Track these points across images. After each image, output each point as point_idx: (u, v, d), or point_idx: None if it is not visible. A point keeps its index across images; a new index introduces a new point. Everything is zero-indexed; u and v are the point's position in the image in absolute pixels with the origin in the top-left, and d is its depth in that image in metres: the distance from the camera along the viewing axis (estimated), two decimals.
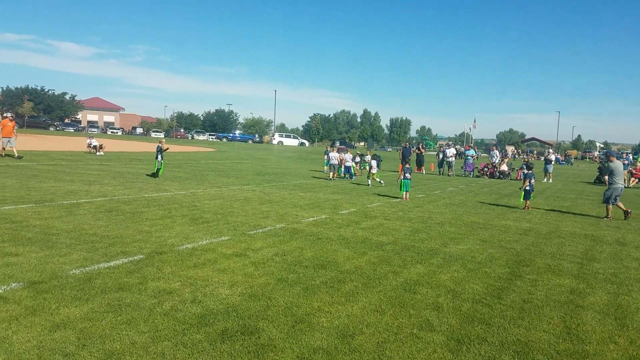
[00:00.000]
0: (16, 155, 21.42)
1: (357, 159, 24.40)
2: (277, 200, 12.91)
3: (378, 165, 20.36)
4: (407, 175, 14.70)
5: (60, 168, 18.59)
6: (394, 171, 27.59)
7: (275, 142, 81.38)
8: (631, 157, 36.61)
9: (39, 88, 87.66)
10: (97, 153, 28.71)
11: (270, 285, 5.56)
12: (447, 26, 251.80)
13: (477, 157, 33.09)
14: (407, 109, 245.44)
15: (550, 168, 26.74)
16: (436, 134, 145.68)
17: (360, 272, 6.31)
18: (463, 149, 45.25)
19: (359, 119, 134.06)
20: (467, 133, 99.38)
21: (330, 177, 20.64)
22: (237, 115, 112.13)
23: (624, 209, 12.56)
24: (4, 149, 21.68)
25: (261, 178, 19.54)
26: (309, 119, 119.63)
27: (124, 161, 24.68)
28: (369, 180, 18.96)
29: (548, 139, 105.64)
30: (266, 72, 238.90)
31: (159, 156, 16.88)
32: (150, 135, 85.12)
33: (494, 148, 32.38)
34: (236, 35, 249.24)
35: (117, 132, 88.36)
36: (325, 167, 23.58)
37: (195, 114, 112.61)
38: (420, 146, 31.67)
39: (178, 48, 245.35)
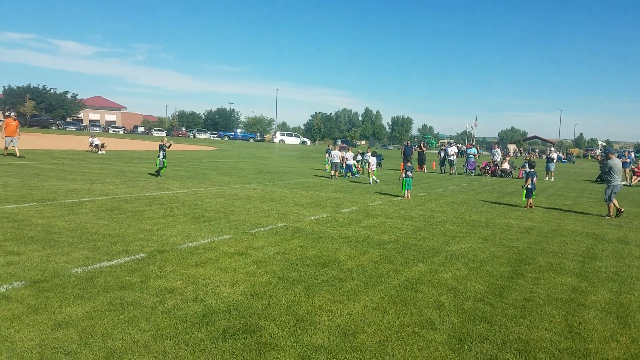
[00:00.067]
0: (18, 155, 21.46)
1: (359, 157, 24.41)
2: (278, 198, 12.91)
3: (379, 164, 20.36)
4: (409, 173, 14.70)
5: (62, 167, 18.63)
6: (396, 169, 27.57)
7: (276, 140, 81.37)
8: (633, 155, 36.47)
9: (40, 87, 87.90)
10: (99, 152, 28.76)
11: (271, 284, 5.57)
12: (449, 24, 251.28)
13: (478, 156, 33.05)
14: (409, 108, 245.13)
15: (552, 166, 26.70)
16: (438, 132, 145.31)
17: (362, 271, 6.31)
18: (465, 147, 45.17)
19: (360, 118, 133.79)
20: (468, 131, 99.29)
21: (332, 174, 20.66)
22: (239, 113, 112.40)
23: (617, 206, 12.57)
24: (6, 148, 21.73)
25: (263, 177, 19.55)
26: (311, 118, 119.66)
27: (126, 160, 24.71)
28: (370, 179, 18.96)
29: (550, 137, 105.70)
30: (268, 70, 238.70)
31: (161, 154, 16.89)
32: (152, 134, 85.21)
33: (496, 146, 32.35)
34: (238, 33, 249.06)
35: (118, 131, 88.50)
36: (327, 165, 23.57)
37: (197, 112, 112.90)
38: (421, 144, 31.65)
39: (180, 47, 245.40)
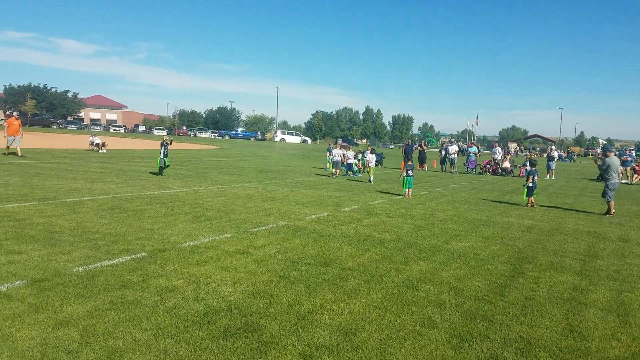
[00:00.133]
0: (19, 154, 21.49)
1: (359, 155, 24.41)
2: (279, 197, 12.92)
3: (380, 163, 20.35)
4: (410, 172, 14.69)
5: (63, 166, 18.64)
6: (397, 168, 27.56)
7: (277, 139, 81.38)
8: (634, 154, 36.43)
9: (41, 86, 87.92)
10: (100, 151, 28.78)
11: (272, 283, 5.57)
12: (449, 23, 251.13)
13: (479, 154, 33.01)
14: (410, 106, 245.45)
15: (553, 165, 26.69)
16: (438, 131, 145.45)
17: (363, 270, 6.31)
18: (465, 146, 45.14)
19: (361, 116, 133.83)
20: (469, 130, 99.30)
21: (333, 173, 20.65)
22: (240, 112, 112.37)
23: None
24: (8, 147, 21.76)
25: (263, 175, 19.55)
26: (311, 116, 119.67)
27: (127, 159, 24.73)
28: (371, 177, 18.96)
29: (551, 135, 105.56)
30: (269, 69, 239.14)
31: (162, 152, 16.89)
32: (152, 133, 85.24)
33: (497, 145, 32.34)
34: (238, 32, 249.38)
35: (119, 130, 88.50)
36: (328, 164, 23.57)
37: (198, 111, 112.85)
38: (422, 143, 31.62)
39: (180, 45, 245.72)
